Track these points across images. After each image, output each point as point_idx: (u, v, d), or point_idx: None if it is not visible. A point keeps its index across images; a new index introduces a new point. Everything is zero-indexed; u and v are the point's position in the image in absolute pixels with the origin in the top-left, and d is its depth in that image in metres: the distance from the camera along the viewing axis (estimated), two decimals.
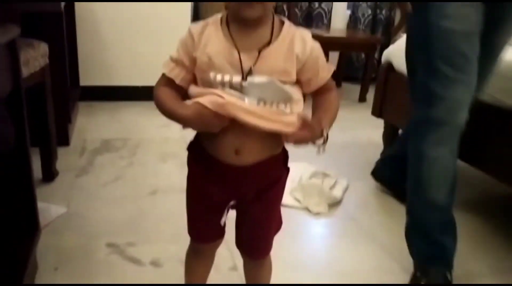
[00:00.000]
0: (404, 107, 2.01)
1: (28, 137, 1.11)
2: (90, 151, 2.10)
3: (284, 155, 0.93)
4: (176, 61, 0.84)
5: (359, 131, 2.67)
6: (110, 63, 2.81)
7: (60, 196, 1.66)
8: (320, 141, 0.84)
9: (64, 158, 1.97)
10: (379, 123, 2.25)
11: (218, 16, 0.83)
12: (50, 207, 1.55)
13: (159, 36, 2.70)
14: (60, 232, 1.44)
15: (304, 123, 0.80)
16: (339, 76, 3.84)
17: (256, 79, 0.78)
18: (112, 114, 2.66)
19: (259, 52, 0.78)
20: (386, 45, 3.30)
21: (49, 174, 1.75)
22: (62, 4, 1.24)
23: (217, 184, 0.87)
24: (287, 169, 0.94)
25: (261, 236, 0.97)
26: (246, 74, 0.78)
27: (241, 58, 0.78)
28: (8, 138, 0.70)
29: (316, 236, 1.61)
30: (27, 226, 1.21)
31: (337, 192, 1.80)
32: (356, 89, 3.52)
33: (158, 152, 2.11)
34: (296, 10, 3.51)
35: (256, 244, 0.99)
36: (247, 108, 0.76)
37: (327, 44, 3.36)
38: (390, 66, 2.09)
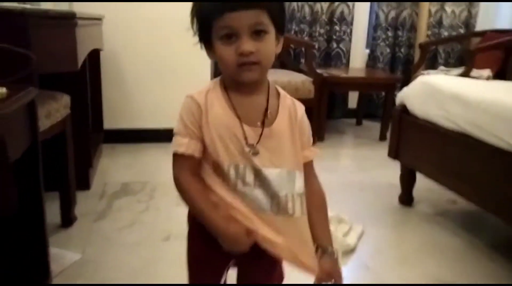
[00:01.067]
0: (419, 150, 2.00)
1: (43, 191, 1.17)
2: (110, 195, 2.15)
3: None
4: (186, 135, 0.81)
5: (378, 171, 2.64)
6: (133, 107, 2.92)
7: (77, 242, 1.70)
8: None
9: (84, 202, 2.03)
10: (398, 164, 2.22)
11: (217, 81, 0.86)
12: (65, 253, 1.59)
13: (179, 80, 2.81)
14: (73, 279, 1.47)
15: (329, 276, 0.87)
16: (359, 114, 3.85)
17: (269, 174, 0.80)
18: (134, 156, 2.73)
19: (263, 127, 0.81)
20: (406, 82, 3.30)
21: (68, 220, 1.81)
22: (80, 62, 1.31)
23: (218, 249, 0.84)
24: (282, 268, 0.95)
25: None
26: (251, 152, 0.80)
27: (246, 133, 0.80)
28: (10, 202, 0.74)
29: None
30: (39, 274, 1.25)
31: (351, 240, 1.77)
32: (376, 127, 3.50)
33: (174, 195, 2.14)
34: (314, 50, 3.56)
35: None
36: (275, 242, 0.82)
37: (346, 85, 3.41)
38: (404, 108, 2.08)
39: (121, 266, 1.56)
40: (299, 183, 0.84)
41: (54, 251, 1.55)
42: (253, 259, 0.90)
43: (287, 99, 0.86)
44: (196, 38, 0.82)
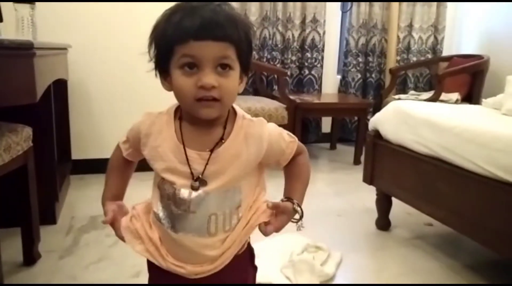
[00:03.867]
0: (394, 175, 1.99)
1: None
2: (77, 229, 2.05)
3: (250, 252, 0.88)
4: (127, 138, 0.87)
5: (354, 195, 2.63)
6: (101, 136, 2.83)
7: (41, 282, 1.59)
8: (297, 217, 0.83)
9: (49, 237, 1.92)
10: (374, 188, 2.21)
11: (174, 106, 0.82)
12: None
13: (147, 107, 2.70)
14: None
15: (277, 210, 0.81)
16: (333, 139, 3.87)
17: (204, 197, 0.76)
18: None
19: (211, 152, 0.76)
20: (378, 106, 3.35)
21: (30, 258, 1.70)
22: (39, 94, 1.24)
23: (175, 277, 0.82)
24: (254, 268, 0.90)
25: None
26: (195, 178, 0.76)
27: (190, 159, 0.76)
28: None
29: None
30: None
31: (330, 268, 1.72)
32: (350, 151, 3.52)
33: None
34: (287, 77, 3.58)
35: None
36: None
37: (319, 110, 3.43)
38: (377, 133, 2.09)
39: None
40: (238, 197, 0.79)
41: None
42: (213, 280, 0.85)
43: (244, 121, 0.79)
44: (151, 65, 0.77)
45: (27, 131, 1.60)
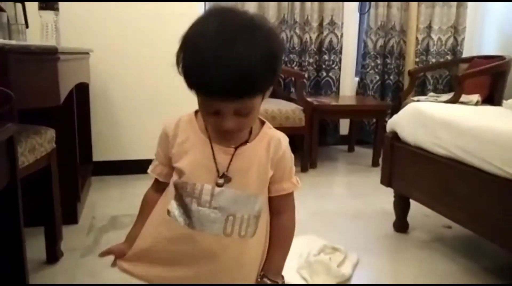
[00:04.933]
0: (412, 177, 1.98)
1: (22, 226, 1.12)
2: (98, 229, 2.10)
3: None
4: (157, 159, 0.87)
5: (372, 198, 2.61)
6: (122, 138, 2.89)
7: (63, 278, 1.64)
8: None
9: (71, 236, 1.98)
10: (392, 190, 2.20)
11: (192, 112, 0.85)
12: None
13: (168, 111, 2.77)
14: None
15: None
16: (351, 141, 3.85)
17: (227, 194, 0.79)
18: (124, 188, 2.69)
19: (235, 149, 0.79)
20: (396, 109, 3.32)
21: (53, 256, 1.75)
22: (63, 97, 1.29)
23: None
24: None
25: None
26: (221, 175, 0.79)
27: (216, 153, 0.79)
28: None
29: None
30: None
31: (346, 269, 1.73)
32: (368, 153, 3.50)
33: None
34: (304, 80, 3.59)
35: None
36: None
37: (337, 112, 3.42)
38: (395, 135, 2.08)
39: None
40: (258, 207, 0.82)
41: None
42: None
43: (270, 130, 0.84)
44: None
45: (51, 133, 1.66)
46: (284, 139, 0.84)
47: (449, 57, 3.97)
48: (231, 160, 0.79)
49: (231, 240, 0.81)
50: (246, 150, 0.79)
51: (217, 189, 0.79)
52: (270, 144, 0.81)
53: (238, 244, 0.81)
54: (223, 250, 0.81)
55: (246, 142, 0.80)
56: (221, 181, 0.78)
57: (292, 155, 0.87)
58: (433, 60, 3.92)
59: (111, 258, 1.84)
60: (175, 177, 0.84)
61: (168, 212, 0.84)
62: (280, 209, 0.87)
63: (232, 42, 0.65)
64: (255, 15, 0.71)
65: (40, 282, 1.58)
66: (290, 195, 0.88)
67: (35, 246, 1.81)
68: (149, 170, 0.89)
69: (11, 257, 1.18)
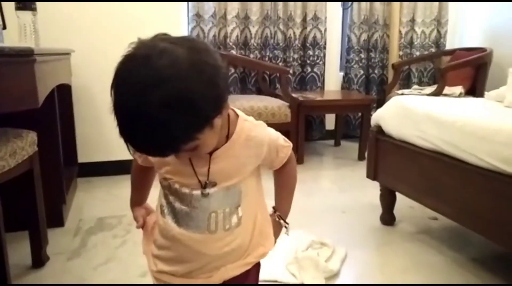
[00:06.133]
0: (397, 170, 1.99)
1: (3, 231, 1.10)
2: (85, 231, 2.07)
3: None
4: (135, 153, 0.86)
5: (358, 192, 2.63)
6: (107, 139, 2.86)
7: (49, 283, 1.62)
8: (284, 230, 0.95)
9: (57, 240, 1.95)
10: (378, 184, 2.21)
11: None
12: None
13: None
14: None
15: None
16: (337, 136, 3.87)
17: (210, 196, 0.79)
18: (110, 190, 2.66)
19: (210, 155, 0.77)
20: (381, 102, 3.34)
21: (39, 260, 1.72)
22: (41, 99, 1.27)
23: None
24: (257, 263, 0.92)
25: None
26: (203, 182, 0.78)
27: (195, 165, 0.78)
28: None
29: None
30: None
31: (334, 264, 1.73)
32: (355, 147, 3.52)
33: None
34: (289, 75, 3.59)
35: None
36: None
37: (322, 108, 3.43)
38: (379, 129, 2.09)
39: None
40: (238, 197, 0.82)
41: None
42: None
43: (245, 123, 0.81)
44: None
45: (32, 136, 1.63)
46: (262, 133, 0.82)
47: (433, 50, 4.00)
48: (209, 167, 0.78)
49: (217, 236, 0.81)
50: (221, 153, 0.78)
51: (201, 196, 0.79)
52: (248, 141, 0.80)
53: (225, 237, 0.82)
54: (211, 247, 0.81)
55: (226, 141, 0.79)
56: (206, 191, 0.78)
57: (273, 134, 0.86)
58: (417, 53, 3.95)
59: (98, 259, 1.83)
60: (160, 176, 0.84)
61: (161, 207, 0.85)
62: (282, 166, 0.90)
63: (140, 114, 0.62)
64: (170, 56, 0.62)
65: None
66: (287, 158, 0.90)
67: (19, 250, 1.78)
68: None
69: None
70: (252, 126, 0.82)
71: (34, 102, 1.17)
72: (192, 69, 0.62)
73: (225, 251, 0.82)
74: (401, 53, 3.93)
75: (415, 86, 3.86)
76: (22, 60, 1.16)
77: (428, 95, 3.17)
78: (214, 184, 0.79)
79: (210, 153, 0.77)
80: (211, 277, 0.84)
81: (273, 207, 0.95)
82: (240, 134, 0.79)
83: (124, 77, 0.63)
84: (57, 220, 2.09)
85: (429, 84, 3.97)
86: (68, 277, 1.68)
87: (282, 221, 0.94)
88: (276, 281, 1.63)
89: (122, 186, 2.70)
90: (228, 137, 0.79)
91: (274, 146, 0.84)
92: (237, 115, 0.82)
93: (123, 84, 0.63)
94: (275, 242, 0.93)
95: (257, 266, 0.91)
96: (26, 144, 1.55)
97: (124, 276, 1.68)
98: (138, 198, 0.98)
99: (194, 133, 0.64)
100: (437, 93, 3.26)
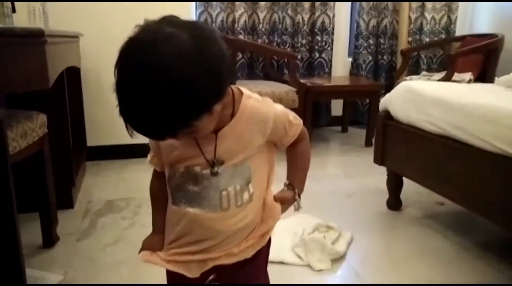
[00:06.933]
0: (404, 155, 1.99)
1: (15, 213, 1.13)
2: (94, 213, 2.11)
3: None
4: (152, 150, 0.87)
5: (365, 177, 2.64)
6: (116, 123, 2.85)
7: (59, 263, 1.65)
8: (296, 204, 0.92)
9: (67, 221, 1.99)
10: (385, 169, 2.21)
11: None
12: (47, 275, 1.54)
13: None
14: None
15: (282, 201, 0.89)
16: (345, 122, 3.86)
17: (220, 175, 0.80)
18: (119, 173, 2.69)
19: (216, 133, 0.78)
20: (389, 89, 3.31)
21: (49, 240, 1.76)
22: (52, 80, 1.28)
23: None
24: (268, 240, 0.93)
25: None
26: (211, 161, 0.79)
27: (201, 145, 0.79)
28: None
29: None
30: None
31: (340, 247, 1.75)
32: (362, 133, 3.52)
33: None
34: (297, 61, 3.57)
35: None
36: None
37: (330, 93, 3.42)
38: (387, 113, 2.08)
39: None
40: (248, 173, 0.83)
41: (35, 273, 1.51)
42: (233, 275, 0.90)
43: (249, 101, 0.81)
44: None
45: (42, 118, 1.65)
46: (266, 109, 0.82)
47: (443, 36, 3.95)
48: (215, 146, 0.78)
49: (230, 213, 0.82)
50: (228, 129, 0.78)
51: (211, 175, 0.80)
52: (252, 118, 0.80)
53: (238, 213, 0.83)
54: (225, 224, 0.83)
55: (231, 119, 0.79)
56: (214, 169, 0.79)
57: (280, 110, 0.85)
58: (427, 39, 3.91)
59: (107, 240, 1.86)
60: (167, 168, 0.85)
61: (171, 196, 0.86)
62: (294, 143, 0.89)
63: (139, 96, 0.64)
64: (171, 46, 0.63)
65: (38, 266, 1.59)
66: (300, 132, 0.89)
67: (31, 231, 1.82)
68: (147, 160, 0.89)
69: (5, 243, 1.19)
70: (256, 102, 0.81)
71: (45, 83, 1.18)
72: (196, 58, 0.63)
73: (239, 227, 0.84)
74: (410, 39, 3.89)
75: (424, 73, 3.83)
76: (33, 41, 1.17)
77: (437, 81, 3.14)
78: (222, 162, 0.80)
79: (216, 132, 0.77)
80: (227, 250, 0.85)
81: (285, 184, 0.93)
82: (244, 111, 0.79)
83: (127, 59, 0.64)
84: (67, 202, 2.12)
85: (438, 71, 3.93)
86: (78, 257, 1.71)
87: (294, 193, 0.90)
88: (282, 262, 1.65)
89: (131, 170, 2.73)
90: (233, 116, 0.79)
91: (281, 122, 0.83)
92: (241, 93, 0.81)
93: (126, 66, 0.64)
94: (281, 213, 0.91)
95: (267, 245, 0.93)
96: (37, 125, 1.57)
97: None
98: (160, 220, 0.92)
99: (192, 120, 0.66)
100: (447, 79, 3.22)
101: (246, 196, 0.83)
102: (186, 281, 0.88)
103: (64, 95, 2.01)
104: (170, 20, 0.67)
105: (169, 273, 0.92)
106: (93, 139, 2.87)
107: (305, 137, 0.91)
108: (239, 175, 0.81)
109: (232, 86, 0.81)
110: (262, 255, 0.92)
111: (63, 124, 2.02)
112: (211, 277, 0.90)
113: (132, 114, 0.66)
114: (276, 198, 0.88)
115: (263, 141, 0.82)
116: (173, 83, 0.61)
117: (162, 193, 0.89)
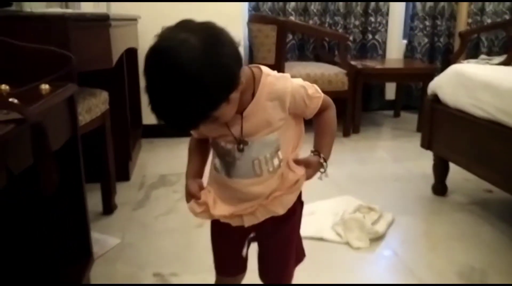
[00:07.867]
0: (451, 139, 1.97)
1: (84, 178, 1.27)
2: (148, 186, 2.27)
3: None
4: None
5: (413, 162, 2.62)
6: None
7: (117, 228, 1.82)
8: (322, 170, 0.94)
9: (124, 192, 2.16)
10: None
11: None
12: (106, 238, 1.71)
13: None
14: (113, 261, 1.59)
15: (307, 165, 0.92)
16: (397, 106, 3.80)
17: (248, 149, 0.88)
18: (171, 150, 2.85)
19: (241, 114, 0.86)
20: None
21: (108, 208, 1.94)
22: (115, 60, 1.41)
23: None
24: (301, 202, 1.01)
25: (279, 268, 1.03)
26: (238, 142, 0.88)
27: (229, 123, 0.87)
28: (51, 185, 0.84)
29: (355, 270, 1.60)
30: (82, 254, 1.36)
31: (380, 227, 1.79)
32: (414, 118, 3.45)
33: None
34: (349, 42, 3.55)
35: (274, 275, 1.04)
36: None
37: (381, 76, 3.38)
38: (436, 97, 2.06)
39: (157, 250, 1.66)
40: (276, 143, 0.89)
41: (96, 236, 1.68)
42: (270, 233, 0.98)
43: (268, 78, 0.87)
44: None
45: (104, 95, 1.80)
46: (284, 84, 0.87)
47: (507, 17, 3.75)
48: (241, 126, 0.86)
49: (264, 177, 0.91)
50: (251, 108, 0.86)
51: (238, 151, 0.89)
52: (271, 94, 0.86)
53: (270, 177, 0.91)
54: (261, 188, 0.91)
55: (252, 98, 0.86)
56: (241, 146, 0.88)
57: (298, 83, 0.90)
58: (489, 21, 3.73)
59: (160, 210, 2.01)
60: (210, 138, 0.95)
61: (214, 165, 0.95)
62: (318, 112, 0.94)
63: (163, 96, 0.75)
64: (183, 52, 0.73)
65: (99, 230, 1.76)
66: (323, 103, 0.93)
67: (92, 199, 1.99)
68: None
69: (74, 208, 1.34)
70: (274, 79, 0.88)
71: (109, 62, 1.31)
72: (205, 59, 0.73)
73: (273, 188, 0.92)
74: (470, 20, 3.73)
75: (483, 56, 3.66)
76: (99, 24, 1.30)
77: (497, 65, 3.01)
78: (249, 138, 0.88)
79: (241, 113, 0.86)
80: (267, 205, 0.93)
81: (311, 150, 0.96)
82: (263, 89, 0.86)
83: (149, 67, 0.76)
84: (124, 175, 2.30)
85: (499, 54, 3.75)
86: (134, 223, 1.87)
87: (325, 163, 0.93)
88: (321, 238, 1.72)
89: (183, 147, 2.83)
90: (253, 95, 0.86)
91: (299, 96, 0.89)
92: (261, 72, 0.88)
93: (149, 73, 0.76)
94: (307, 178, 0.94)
95: (301, 205, 1.01)
96: (100, 101, 1.73)
97: (183, 225, 1.85)
98: (194, 169, 1.00)
99: (209, 112, 0.77)
100: (507, 63, 3.08)
101: (276, 162, 0.91)
102: (230, 239, 0.99)
103: (123, 75, 2.16)
104: (183, 26, 0.79)
105: (215, 229, 1.02)
106: (148, 118, 3.04)
107: (329, 106, 0.95)
108: (268, 145, 0.89)
109: (253, 66, 0.88)
110: (295, 218, 1.00)
111: (122, 102, 2.18)
112: (251, 235, 0.99)
113: (159, 113, 0.77)
114: (300, 162, 0.92)
115: (285, 115, 0.89)
116: (187, 84, 0.73)
117: (199, 148, 1.00)
